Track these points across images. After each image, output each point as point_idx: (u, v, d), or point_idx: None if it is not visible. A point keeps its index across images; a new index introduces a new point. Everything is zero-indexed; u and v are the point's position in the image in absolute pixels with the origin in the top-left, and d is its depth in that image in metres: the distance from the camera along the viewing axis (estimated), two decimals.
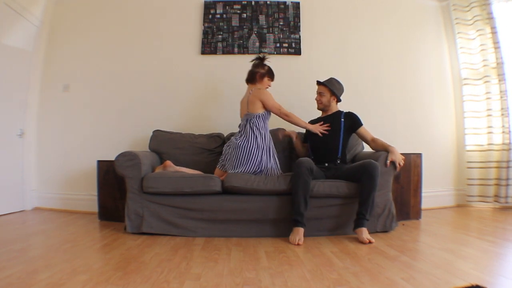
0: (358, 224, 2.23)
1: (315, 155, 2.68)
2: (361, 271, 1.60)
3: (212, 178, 2.40)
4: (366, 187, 2.25)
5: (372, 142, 2.64)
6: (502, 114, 3.29)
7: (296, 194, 2.26)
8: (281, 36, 3.44)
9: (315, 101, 2.80)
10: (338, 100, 2.77)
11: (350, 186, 2.36)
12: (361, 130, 2.67)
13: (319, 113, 2.87)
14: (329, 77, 2.77)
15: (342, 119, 2.68)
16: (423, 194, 2.95)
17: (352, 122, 2.68)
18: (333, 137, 2.63)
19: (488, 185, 3.31)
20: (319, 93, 2.76)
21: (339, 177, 2.46)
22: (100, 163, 2.91)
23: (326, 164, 2.60)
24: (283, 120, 2.68)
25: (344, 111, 2.74)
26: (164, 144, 2.99)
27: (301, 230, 2.21)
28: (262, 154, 2.57)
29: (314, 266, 1.69)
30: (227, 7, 3.47)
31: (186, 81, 3.43)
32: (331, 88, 2.69)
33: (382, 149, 2.53)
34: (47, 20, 3.46)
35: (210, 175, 2.46)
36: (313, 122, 2.80)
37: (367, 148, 2.91)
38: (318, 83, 2.78)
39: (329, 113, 2.76)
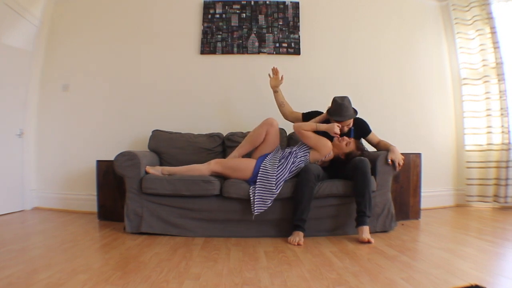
0: (360, 222, 2.22)
1: None
2: (361, 271, 1.60)
3: (210, 182, 2.36)
4: (360, 185, 2.26)
5: (377, 145, 2.64)
6: (502, 114, 3.29)
7: (301, 201, 2.25)
8: (281, 36, 3.44)
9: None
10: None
11: (348, 185, 2.36)
12: (370, 136, 2.66)
13: (316, 108, 2.80)
14: (333, 100, 2.55)
15: (352, 127, 2.61)
16: (422, 194, 2.95)
17: (361, 131, 2.64)
18: None
19: (487, 185, 3.31)
20: (347, 126, 2.54)
21: (336, 177, 2.46)
22: (100, 163, 2.91)
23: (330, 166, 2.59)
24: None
25: None
26: (164, 144, 2.99)
27: (301, 234, 2.21)
28: None
29: (314, 266, 1.69)
30: (226, 7, 3.46)
31: (186, 81, 3.43)
32: (354, 116, 2.56)
33: (384, 149, 2.54)
34: (47, 20, 3.46)
35: (209, 178, 2.39)
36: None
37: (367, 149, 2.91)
38: (342, 120, 2.48)
39: None
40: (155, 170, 2.49)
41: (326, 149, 2.43)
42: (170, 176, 2.45)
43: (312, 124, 2.52)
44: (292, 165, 2.41)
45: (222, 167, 2.48)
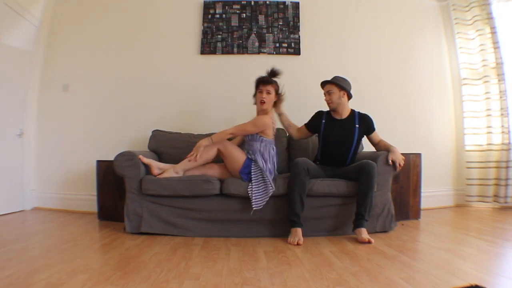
0: (357, 224, 2.23)
1: (323, 157, 2.63)
2: (361, 271, 1.60)
3: (210, 182, 2.36)
4: (363, 187, 2.26)
5: (377, 145, 2.62)
6: (502, 114, 3.29)
7: (292, 195, 2.26)
8: (281, 36, 3.44)
9: (325, 102, 2.62)
10: (350, 96, 2.61)
11: (350, 185, 2.36)
12: (372, 135, 2.63)
13: (318, 108, 2.81)
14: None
15: (357, 125, 2.56)
16: (422, 194, 2.95)
17: (366, 128, 2.60)
18: (345, 144, 2.55)
19: (487, 185, 3.31)
20: (327, 92, 2.58)
21: (338, 177, 2.46)
22: (100, 163, 2.91)
23: (331, 166, 2.59)
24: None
25: (357, 111, 2.63)
26: (163, 144, 2.99)
27: (299, 231, 2.21)
28: None
29: (313, 266, 1.69)
30: (226, 7, 3.47)
31: (186, 81, 3.43)
32: (338, 83, 2.55)
33: (384, 149, 2.53)
34: (46, 20, 3.46)
35: (209, 178, 2.39)
36: (328, 121, 2.64)
37: (366, 148, 2.91)
38: (323, 83, 2.64)
39: (344, 116, 2.60)
40: (168, 173, 2.45)
41: (262, 121, 2.47)
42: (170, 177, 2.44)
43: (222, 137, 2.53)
44: (271, 157, 2.48)
45: (224, 148, 2.48)
